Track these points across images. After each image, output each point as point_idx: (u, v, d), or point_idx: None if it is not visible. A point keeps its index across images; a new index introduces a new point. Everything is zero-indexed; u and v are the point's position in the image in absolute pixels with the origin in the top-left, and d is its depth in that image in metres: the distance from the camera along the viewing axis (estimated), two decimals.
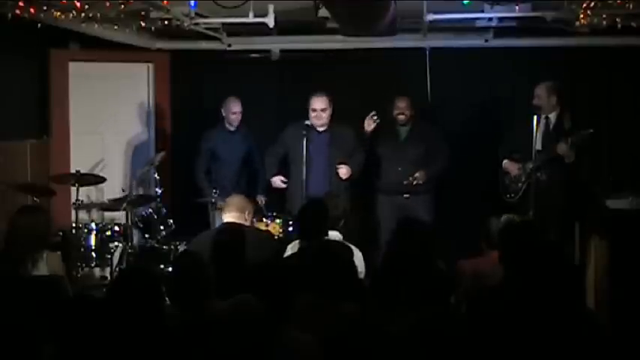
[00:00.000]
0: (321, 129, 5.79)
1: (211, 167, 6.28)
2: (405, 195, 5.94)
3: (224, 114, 6.24)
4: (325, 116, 5.75)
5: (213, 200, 5.77)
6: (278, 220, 5.72)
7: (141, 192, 6.32)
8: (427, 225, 4.16)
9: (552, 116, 5.72)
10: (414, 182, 5.85)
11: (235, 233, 4.32)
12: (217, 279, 3.39)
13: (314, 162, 5.68)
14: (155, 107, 7.06)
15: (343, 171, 5.69)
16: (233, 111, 6.19)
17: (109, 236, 5.94)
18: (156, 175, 6.04)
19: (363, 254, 4.29)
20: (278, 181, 5.81)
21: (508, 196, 5.79)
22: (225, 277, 3.39)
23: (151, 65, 7.02)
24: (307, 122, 5.65)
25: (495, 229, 4.05)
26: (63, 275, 3.96)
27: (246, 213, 4.68)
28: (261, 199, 6.25)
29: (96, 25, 5.66)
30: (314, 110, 5.74)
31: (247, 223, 4.67)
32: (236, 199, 4.75)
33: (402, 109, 5.98)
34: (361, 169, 5.87)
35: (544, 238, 4.12)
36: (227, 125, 6.26)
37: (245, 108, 6.30)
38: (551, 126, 5.71)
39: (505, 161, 5.82)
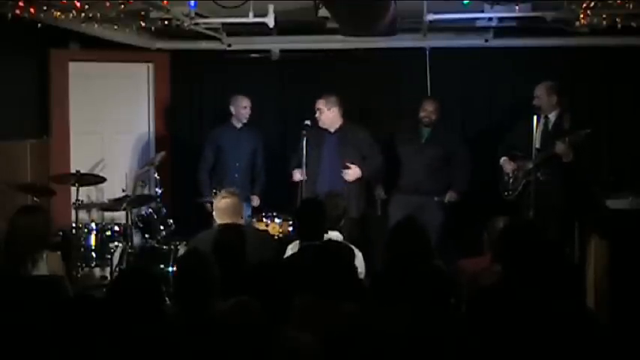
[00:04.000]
0: (332, 129, 5.82)
1: (216, 163, 6.27)
2: (420, 195, 5.93)
3: (233, 111, 6.22)
4: (324, 117, 5.76)
5: (213, 200, 5.77)
6: (278, 220, 5.72)
7: (141, 192, 6.32)
8: (424, 225, 4.13)
9: (552, 116, 5.73)
10: (450, 200, 5.95)
11: (235, 233, 4.33)
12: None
13: (326, 162, 5.74)
14: (155, 107, 7.06)
15: (349, 172, 5.71)
16: (244, 105, 6.19)
17: (109, 236, 5.96)
18: (156, 175, 6.04)
19: (363, 254, 4.30)
20: (298, 174, 5.70)
21: (506, 193, 5.82)
22: (225, 277, 3.38)
23: (151, 65, 7.03)
24: (307, 122, 5.66)
25: (495, 230, 4.05)
26: (63, 275, 3.96)
27: (240, 213, 4.63)
28: (255, 200, 6.23)
29: (96, 25, 5.67)
30: (315, 111, 5.77)
31: (242, 222, 4.65)
32: (224, 204, 4.46)
33: (428, 112, 5.99)
34: (378, 172, 5.91)
35: (544, 238, 4.11)
36: (234, 122, 6.26)
37: None
38: (550, 125, 5.72)
39: (503, 159, 5.84)
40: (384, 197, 6.19)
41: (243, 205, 4.84)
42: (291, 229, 5.65)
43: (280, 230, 5.68)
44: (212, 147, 6.26)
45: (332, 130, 5.82)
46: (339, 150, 5.79)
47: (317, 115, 5.78)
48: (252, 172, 6.32)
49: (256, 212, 6.06)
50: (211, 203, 5.78)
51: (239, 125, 6.26)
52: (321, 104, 5.77)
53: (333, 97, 5.79)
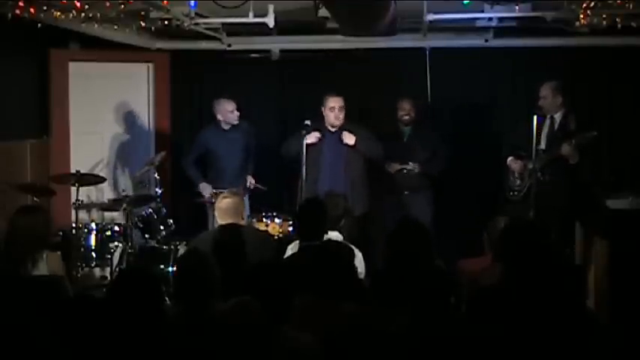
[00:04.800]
0: (333, 129, 5.80)
1: (212, 166, 6.26)
2: (405, 192, 6.05)
3: (220, 117, 6.17)
4: (342, 116, 5.76)
5: (213, 200, 5.77)
6: (278, 220, 5.72)
7: (142, 192, 6.33)
8: (425, 224, 4.14)
9: (557, 116, 5.71)
10: (406, 169, 5.99)
11: (235, 233, 4.33)
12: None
13: (327, 162, 5.72)
14: (155, 107, 7.06)
15: (346, 134, 5.69)
16: (230, 109, 6.18)
17: (109, 236, 5.95)
18: (156, 175, 6.04)
19: (363, 254, 4.29)
20: (314, 136, 5.69)
21: (512, 193, 5.82)
22: (225, 278, 3.38)
23: (150, 65, 7.02)
24: (307, 122, 5.64)
25: (495, 230, 4.05)
26: (63, 275, 3.96)
27: (242, 214, 4.64)
28: (250, 181, 6.22)
29: (96, 25, 5.66)
30: (332, 109, 5.72)
31: (244, 223, 4.65)
32: (226, 204, 4.51)
33: (407, 111, 6.11)
34: (376, 155, 5.84)
35: (545, 239, 4.11)
36: (222, 125, 6.24)
37: (245, 108, 6.30)
38: (556, 126, 5.70)
39: (510, 159, 5.84)
40: (398, 168, 6.12)
41: (245, 205, 4.84)
42: (291, 229, 5.64)
43: (280, 230, 5.67)
44: (199, 151, 6.25)
45: (334, 129, 5.82)
46: (340, 149, 5.79)
47: (335, 114, 5.72)
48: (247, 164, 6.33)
49: (256, 212, 6.06)
50: (211, 202, 5.81)
51: (227, 127, 6.23)
52: (340, 102, 5.74)
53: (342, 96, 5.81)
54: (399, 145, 6.10)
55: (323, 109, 5.80)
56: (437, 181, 6.17)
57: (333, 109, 5.73)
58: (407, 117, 6.11)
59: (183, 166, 6.27)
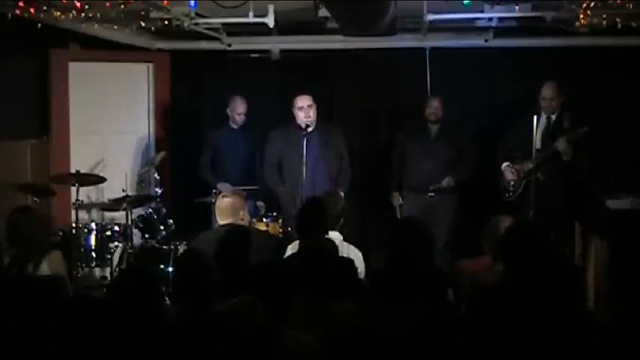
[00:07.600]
0: (309, 129, 5.62)
1: (218, 166, 6.27)
2: (430, 194, 5.97)
3: (230, 113, 6.23)
4: (313, 113, 5.65)
5: (213, 200, 5.76)
6: (279, 220, 5.71)
7: (142, 192, 6.32)
8: (427, 225, 4.14)
9: (553, 115, 5.73)
10: (445, 185, 5.92)
11: (236, 233, 4.33)
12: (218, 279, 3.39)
13: (308, 163, 5.51)
14: (155, 107, 7.06)
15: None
16: (238, 112, 6.18)
17: (109, 236, 5.95)
18: (156, 175, 6.04)
19: (363, 254, 4.29)
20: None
21: (507, 195, 5.82)
22: (225, 278, 3.39)
23: (150, 65, 7.02)
24: (307, 122, 5.61)
25: (495, 230, 4.04)
26: (64, 275, 3.97)
27: (241, 213, 4.63)
28: (260, 205, 6.22)
29: (96, 25, 5.67)
30: (301, 108, 5.61)
31: (244, 223, 4.65)
32: (225, 203, 4.57)
33: (435, 109, 6.02)
34: (350, 178, 5.85)
35: (544, 239, 4.11)
36: (231, 124, 6.26)
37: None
38: (551, 125, 5.72)
39: (504, 165, 5.84)
40: (401, 202, 6.17)
41: (246, 205, 4.84)
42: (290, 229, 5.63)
43: (280, 230, 5.66)
44: (210, 151, 6.26)
45: (309, 129, 5.59)
46: (322, 151, 5.69)
47: (305, 112, 5.60)
48: (253, 173, 6.32)
49: (256, 214, 6.06)
50: (212, 203, 5.80)
51: (236, 127, 6.25)
52: (310, 100, 5.65)
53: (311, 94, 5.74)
54: (424, 145, 6.05)
55: (293, 110, 5.68)
56: (463, 185, 6.06)
57: (302, 108, 5.62)
58: (434, 115, 6.02)
59: (203, 176, 6.23)
